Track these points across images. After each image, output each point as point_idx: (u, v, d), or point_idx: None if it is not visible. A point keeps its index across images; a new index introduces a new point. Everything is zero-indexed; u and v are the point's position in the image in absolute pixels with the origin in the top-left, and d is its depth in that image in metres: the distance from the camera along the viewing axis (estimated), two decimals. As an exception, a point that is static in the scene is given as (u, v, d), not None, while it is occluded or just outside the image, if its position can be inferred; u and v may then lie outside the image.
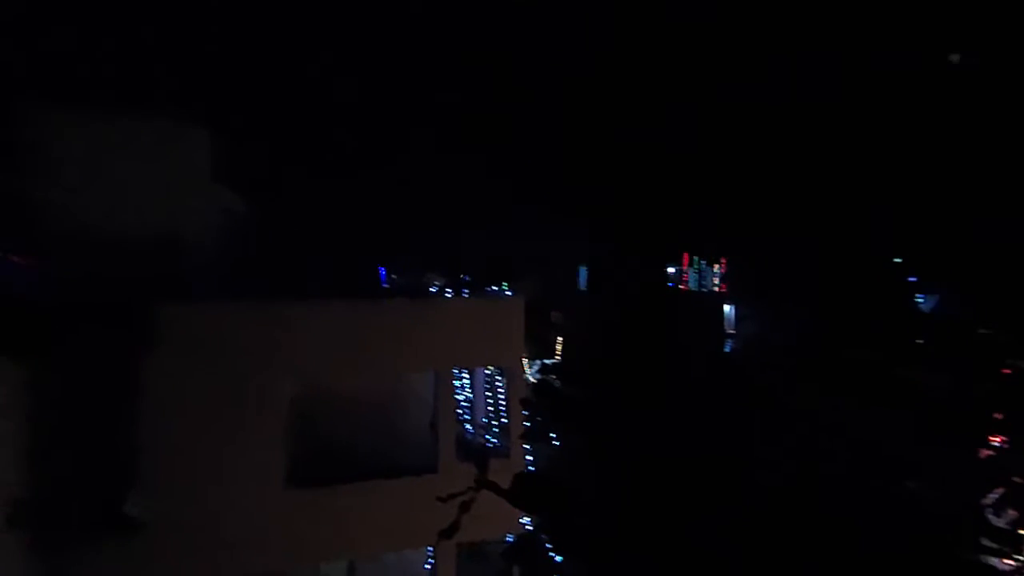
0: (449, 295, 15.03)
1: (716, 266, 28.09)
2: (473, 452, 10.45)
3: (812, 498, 4.25)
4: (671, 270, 28.07)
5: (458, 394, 13.23)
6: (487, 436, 13.36)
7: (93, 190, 10.72)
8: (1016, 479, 3.47)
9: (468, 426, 13.69)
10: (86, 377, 8.86)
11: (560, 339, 21.85)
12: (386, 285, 17.84)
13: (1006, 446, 3.72)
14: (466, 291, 16.75)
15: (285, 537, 9.64)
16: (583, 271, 28.81)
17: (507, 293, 14.83)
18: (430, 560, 11.55)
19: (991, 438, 3.89)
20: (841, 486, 4.24)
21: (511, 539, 11.19)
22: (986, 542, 4.10)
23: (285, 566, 9.89)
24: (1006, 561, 4.03)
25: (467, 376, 14.24)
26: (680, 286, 28.32)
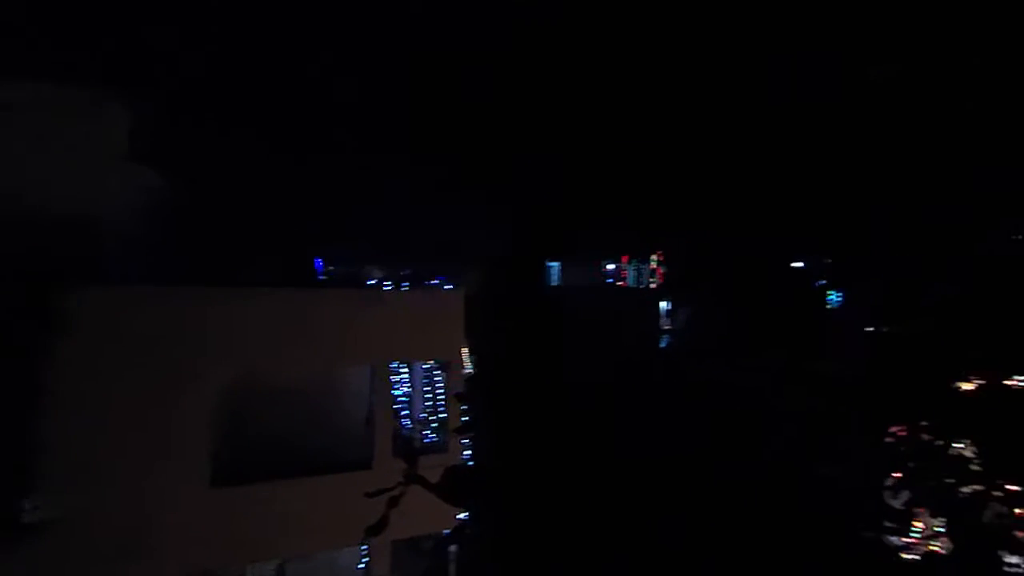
0: (388, 287, 14.83)
1: (653, 263, 28.80)
2: (405, 447, 10.38)
3: (728, 483, 4.45)
4: (611, 267, 28.59)
5: (396, 388, 13.08)
6: (425, 431, 13.28)
7: (-1, 168, 9.98)
8: (911, 464, 3.74)
9: (406, 421, 13.56)
10: (-10, 369, 8.26)
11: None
12: (322, 276, 17.41)
13: (903, 434, 4.00)
14: (406, 284, 16.56)
15: (210, 537, 9.30)
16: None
17: (447, 287, 14.76)
18: (364, 558, 11.40)
19: (892, 428, 4.17)
20: (757, 470, 4.45)
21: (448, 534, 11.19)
22: (885, 522, 4.41)
23: (210, 567, 9.56)
24: (902, 539, 4.34)
25: (405, 370, 14.10)
26: (619, 283, 28.88)
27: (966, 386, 3.61)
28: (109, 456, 8.69)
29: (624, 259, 29.83)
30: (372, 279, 17.15)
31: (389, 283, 15.82)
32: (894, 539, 4.35)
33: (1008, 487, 3.17)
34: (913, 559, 3.85)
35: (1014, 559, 3.22)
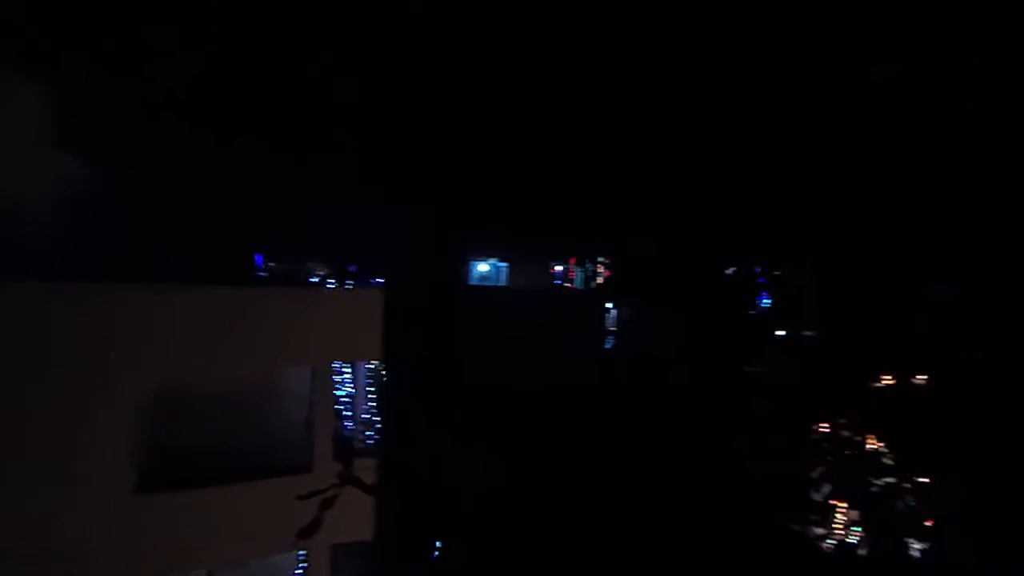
0: (332, 285, 14.51)
1: (601, 266, 29.25)
2: (340, 448, 10.17)
3: (661, 476, 4.54)
4: (559, 268, 28.85)
5: (338, 389, 12.80)
6: (368, 432, 13.04)
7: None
8: (830, 459, 3.90)
9: (348, 422, 13.29)
10: None
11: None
12: (263, 273, 16.85)
13: (826, 431, 4.17)
14: (351, 282, 16.23)
15: (135, 546, 8.87)
16: (474, 265, 28.88)
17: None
18: (301, 565, 11.09)
19: (816, 426, 4.33)
20: (691, 465, 4.56)
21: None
22: (809, 514, 4.59)
23: (138, 576, 9.11)
24: (823, 529, 4.52)
25: (349, 370, 13.82)
26: (566, 284, 29.18)
27: (879, 384, 3.79)
28: (25, 461, 8.17)
29: (572, 261, 30.19)
30: (315, 277, 16.73)
31: (333, 281, 15.47)
32: (817, 530, 4.53)
33: (918, 479, 3.35)
34: (832, 547, 4.02)
35: (920, 545, 3.40)
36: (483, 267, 31.55)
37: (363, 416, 13.47)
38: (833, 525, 4.06)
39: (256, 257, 15.61)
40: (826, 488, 3.72)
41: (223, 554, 9.95)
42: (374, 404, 13.31)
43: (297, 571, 11.26)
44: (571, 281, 31.79)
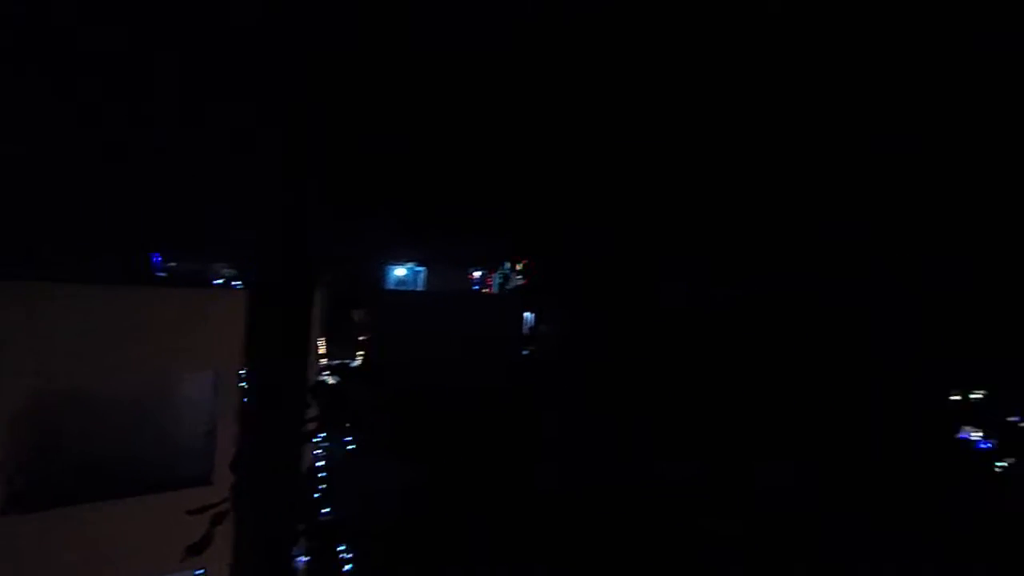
0: (238, 287, 13.74)
1: (518, 269, 29.62)
2: (235, 458, 9.64)
3: (573, 476, 4.60)
4: (477, 273, 28.96)
5: (244, 397, 12.14)
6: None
7: None
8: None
9: (254, 431, 12.61)
10: None
11: (361, 338, 21.27)
12: (161, 273, 15.68)
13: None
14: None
15: (9, 573, 7.99)
16: (391, 269, 28.46)
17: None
18: (199, 582, 10.39)
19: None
20: (600, 467, 4.64)
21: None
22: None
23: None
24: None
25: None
26: (484, 289, 29.35)
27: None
28: None
29: (491, 268, 30.41)
30: (219, 278, 15.77)
31: (239, 283, 14.67)
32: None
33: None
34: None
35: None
36: (400, 271, 31.16)
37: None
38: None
39: (153, 257, 14.50)
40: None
41: (110, 575, 9.16)
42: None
43: (194, 591, 10.56)
44: (489, 286, 32.00)
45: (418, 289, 29.71)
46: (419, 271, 30.01)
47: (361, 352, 21.62)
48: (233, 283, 14.99)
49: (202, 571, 10.22)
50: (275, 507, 2.55)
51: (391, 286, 29.15)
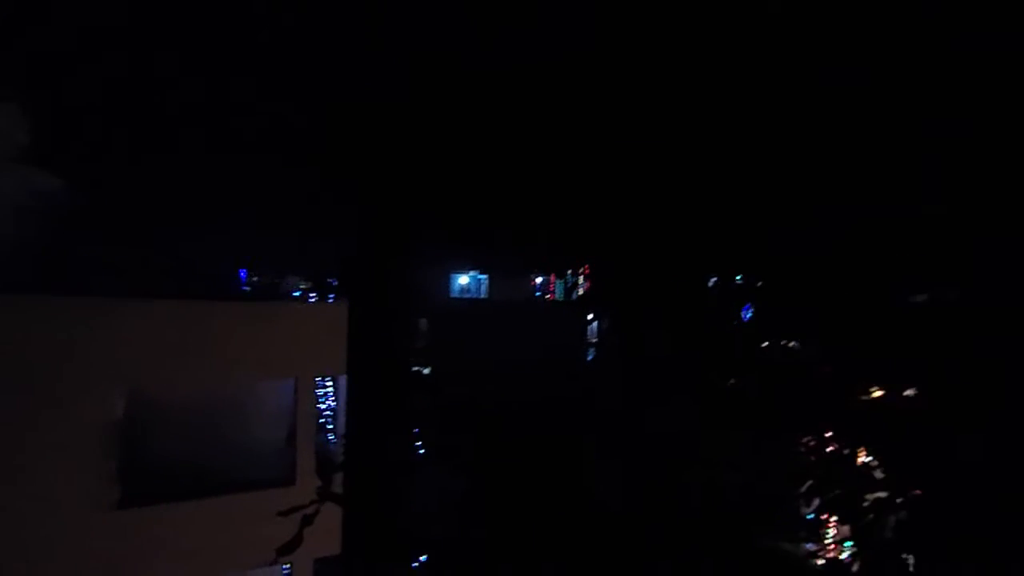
0: (313, 299, 14.39)
1: (581, 277, 29.39)
2: (321, 463, 10.06)
3: (639, 494, 4.57)
4: (539, 280, 29.00)
5: (321, 402, 12.67)
6: (350, 446, 12.87)
7: None
8: (819, 472, 3.96)
9: (331, 436, 13.14)
10: None
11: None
12: (246, 288, 16.63)
13: (812, 444, 4.23)
14: (332, 296, 16.10)
15: (118, 561, 8.65)
16: (454, 278, 28.90)
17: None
18: (284, 579, 10.91)
19: (800, 438, 4.40)
20: (673, 485, 4.59)
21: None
22: (799, 531, 4.65)
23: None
24: (814, 546, 4.58)
25: (331, 384, 13.68)
26: (547, 296, 29.34)
27: (867, 397, 3.87)
28: (2, 483, 7.94)
29: (552, 274, 30.33)
30: (296, 290, 16.56)
31: (314, 295, 15.35)
32: (808, 546, 4.60)
33: (911, 493, 3.42)
34: (824, 564, 4.07)
35: (915, 560, 3.47)
36: (463, 279, 31.59)
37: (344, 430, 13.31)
38: (824, 541, 4.12)
39: (240, 272, 15.40)
40: (815, 503, 3.77)
41: (206, 569, 9.74)
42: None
43: (280, 586, 11.09)
44: (552, 292, 31.97)
45: (480, 297, 30.02)
46: (481, 279, 30.33)
47: (420, 363, 22.04)
48: (309, 295, 15.67)
49: (288, 566, 10.74)
50: (380, 509, 2.69)
51: (454, 294, 29.62)
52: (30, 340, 8.29)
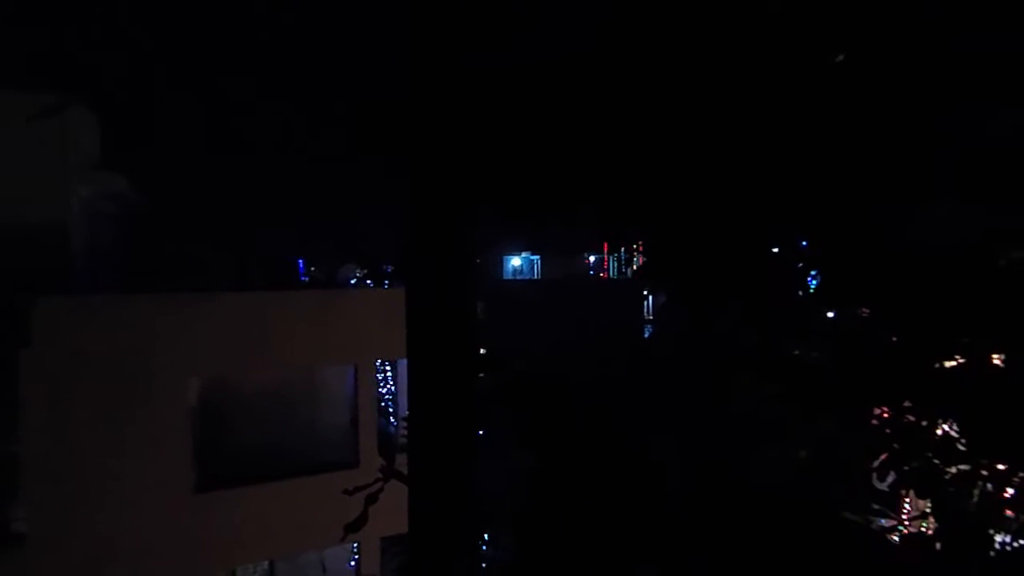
0: (369, 286, 14.68)
1: (636, 254, 28.96)
2: (384, 444, 10.29)
3: (711, 472, 4.43)
4: (592, 259, 28.73)
5: (381, 386, 12.97)
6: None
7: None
8: (896, 446, 3.72)
9: (392, 419, 13.48)
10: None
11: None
12: (305, 278, 17.19)
13: (886, 416, 3.99)
14: (387, 282, 16.41)
15: (197, 542, 9.17)
16: (507, 259, 29.01)
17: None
18: (354, 556, 11.31)
19: (875, 409, 4.15)
20: (739, 461, 4.43)
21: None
22: (872, 504, 4.42)
23: (199, 571, 9.42)
24: (889, 521, 4.35)
25: (390, 368, 13.99)
26: (601, 274, 29.06)
27: (949, 364, 3.60)
28: (84, 467, 8.51)
29: (605, 250, 29.98)
30: (353, 278, 16.99)
31: (370, 282, 15.69)
32: (881, 521, 4.37)
33: (996, 466, 3.18)
34: (900, 540, 3.85)
35: (1002, 538, 3.23)
36: (516, 261, 31.65)
37: (404, 412, 13.60)
38: (902, 516, 3.89)
39: (298, 262, 15.95)
40: (890, 476, 3.57)
41: (279, 548, 10.21)
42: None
43: (350, 563, 11.53)
44: (605, 271, 31.63)
45: (534, 278, 30.03)
46: (534, 259, 30.31)
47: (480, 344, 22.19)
48: (366, 283, 16.00)
49: (357, 544, 11.14)
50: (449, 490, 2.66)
51: (507, 276, 29.73)
52: (115, 336, 8.80)
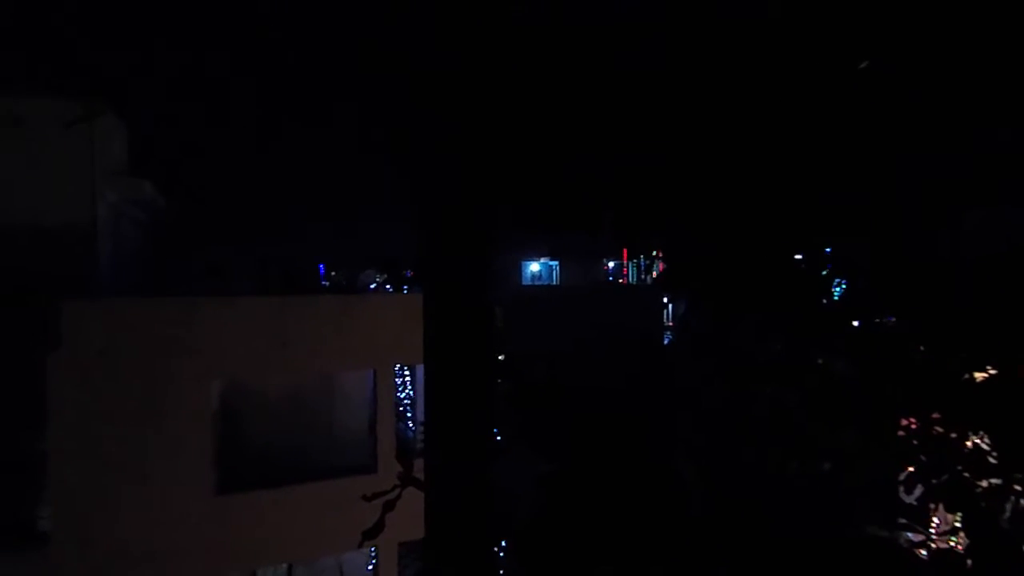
0: (389, 290, 14.76)
1: (656, 260, 28.65)
2: (401, 449, 10.29)
3: (731, 486, 4.36)
4: (611, 264, 28.59)
5: (399, 391, 13.01)
6: (429, 433, 13.15)
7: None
8: (923, 457, 3.62)
9: (410, 424, 13.50)
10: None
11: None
12: (325, 282, 17.36)
13: (914, 427, 3.88)
14: (407, 287, 16.49)
15: (217, 543, 9.26)
16: (525, 265, 28.99)
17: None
18: (372, 560, 11.33)
19: (902, 420, 4.04)
20: (759, 472, 4.36)
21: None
22: (899, 518, 4.30)
23: (219, 573, 9.51)
24: (917, 535, 4.24)
25: (408, 373, 14.03)
26: (620, 280, 28.89)
27: (980, 375, 3.49)
28: (114, 467, 8.65)
29: (624, 257, 29.82)
30: (373, 283, 17.11)
31: (390, 286, 15.77)
32: (909, 535, 4.25)
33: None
34: (929, 555, 3.74)
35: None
36: (534, 266, 31.61)
37: (423, 418, 13.63)
38: (930, 530, 3.77)
39: (319, 267, 16.11)
40: (918, 489, 3.46)
41: (298, 552, 10.27)
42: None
43: (368, 567, 11.55)
44: (624, 277, 31.44)
45: (552, 284, 29.96)
46: (552, 265, 30.25)
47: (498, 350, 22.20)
48: (385, 287, 16.09)
49: (375, 548, 11.17)
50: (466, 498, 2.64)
51: (526, 282, 29.70)
52: (140, 339, 8.95)
